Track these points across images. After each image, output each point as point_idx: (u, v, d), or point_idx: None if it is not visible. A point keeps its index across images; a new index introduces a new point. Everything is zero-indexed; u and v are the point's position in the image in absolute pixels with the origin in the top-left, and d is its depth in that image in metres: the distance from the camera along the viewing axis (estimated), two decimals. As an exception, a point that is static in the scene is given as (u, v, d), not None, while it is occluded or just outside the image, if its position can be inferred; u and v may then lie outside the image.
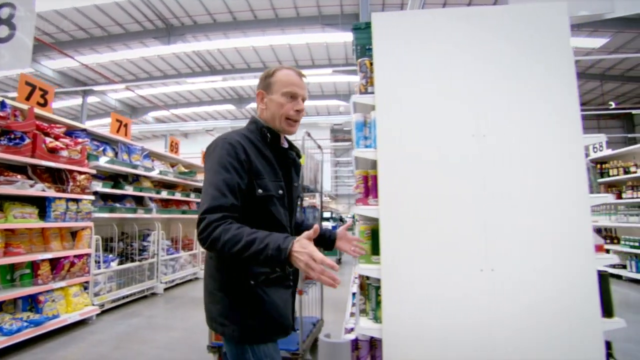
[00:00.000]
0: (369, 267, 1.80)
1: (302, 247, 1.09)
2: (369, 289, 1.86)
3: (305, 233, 1.13)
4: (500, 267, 1.78)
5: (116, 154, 5.15)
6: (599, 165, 6.34)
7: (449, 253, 1.80)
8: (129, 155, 5.27)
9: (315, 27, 14.74)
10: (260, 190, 1.26)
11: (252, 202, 1.25)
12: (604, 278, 1.84)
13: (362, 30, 2.07)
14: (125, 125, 4.96)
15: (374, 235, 1.85)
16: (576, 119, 1.88)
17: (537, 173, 1.84)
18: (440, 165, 1.87)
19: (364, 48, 2.09)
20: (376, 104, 1.90)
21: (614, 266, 6.31)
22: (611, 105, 17.30)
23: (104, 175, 5.24)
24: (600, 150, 6.56)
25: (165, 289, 6.56)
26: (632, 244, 6.12)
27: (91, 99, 18.35)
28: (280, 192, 1.32)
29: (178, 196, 7.36)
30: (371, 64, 1.97)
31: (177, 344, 3.86)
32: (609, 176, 6.20)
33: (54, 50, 11.80)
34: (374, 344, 1.80)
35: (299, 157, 1.54)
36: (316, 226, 1.14)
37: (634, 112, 15.22)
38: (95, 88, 16.49)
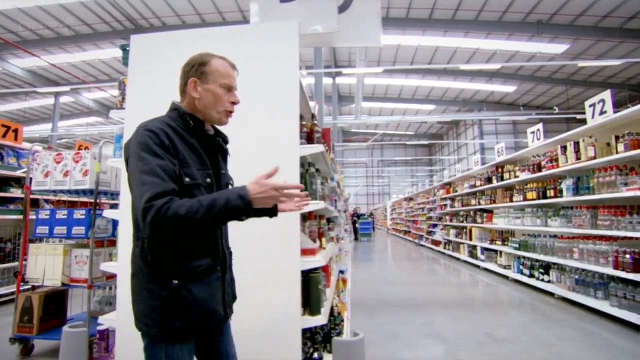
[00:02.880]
0: (110, 265, 2.05)
1: (261, 186, 1.11)
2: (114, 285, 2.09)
3: (263, 173, 1.15)
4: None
5: (2, 158, 5.32)
6: (499, 169, 6.60)
7: None
8: (17, 159, 5.47)
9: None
10: (187, 179, 1.19)
11: (180, 191, 1.15)
12: (311, 279, 2.13)
13: (127, 51, 2.29)
14: (15, 131, 5.19)
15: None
16: (295, 131, 2.10)
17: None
18: None
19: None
20: (125, 118, 2.13)
21: (504, 267, 6.45)
22: (555, 110, 17.98)
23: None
24: (501, 155, 6.83)
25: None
26: (515, 245, 6.02)
27: (65, 99, 18.39)
28: (208, 180, 1.26)
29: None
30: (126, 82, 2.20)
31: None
32: (502, 180, 6.44)
33: (19, 49, 11.87)
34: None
35: (226, 143, 1.49)
36: (275, 166, 1.19)
37: (578, 116, 15.66)
38: (60, 89, 16.46)
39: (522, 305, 4.73)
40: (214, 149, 1.40)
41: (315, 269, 2.30)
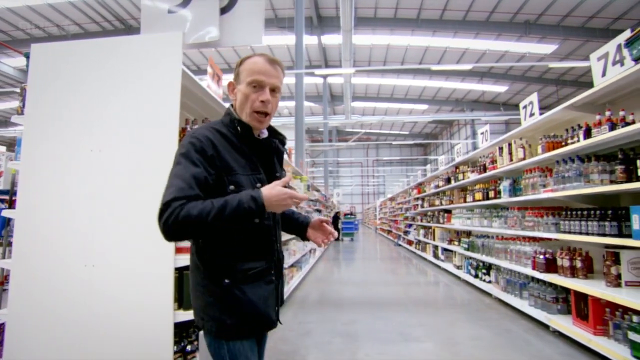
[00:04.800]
0: (6, 261, 2.17)
1: (279, 192, 1.13)
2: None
3: (279, 181, 1.17)
4: (101, 264, 2.19)
5: None
6: (457, 170, 6.61)
7: (63, 250, 2.20)
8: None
9: (272, 29, 15.12)
10: (231, 187, 1.19)
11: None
12: (184, 275, 2.26)
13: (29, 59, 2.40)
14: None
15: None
16: (174, 136, 2.22)
17: (136, 184, 2.21)
18: (64, 175, 2.23)
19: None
20: (24, 123, 2.28)
21: (458, 267, 6.50)
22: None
23: None
24: (459, 155, 6.85)
25: None
26: (465, 246, 5.95)
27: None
28: (259, 185, 1.23)
29: None
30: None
31: None
32: (457, 181, 6.46)
33: (9, 49, 12.14)
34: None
35: (283, 144, 1.44)
36: (289, 175, 1.22)
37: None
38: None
39: (457, 305, 4.78)
40: (269, 152, 1.36)
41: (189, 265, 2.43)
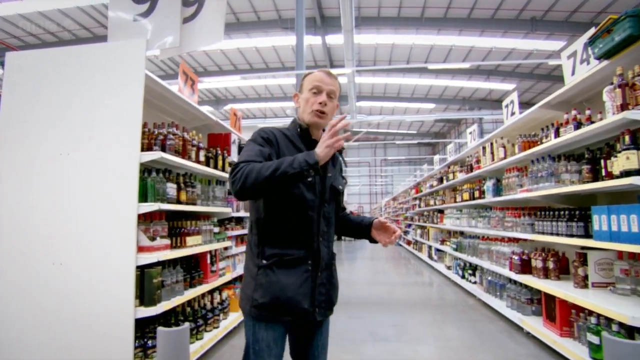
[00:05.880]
0: None
1: (323, 141, 1.24)
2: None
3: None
4: (68, 262, 2.31)
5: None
6: (449, 169, 6.54)
7: (32, 249, 2.32)
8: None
9: (276, 30, 15.23)
10: None
11: None
12: (145, 273, 2.37)
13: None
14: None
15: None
16: (137, 139, 2.32)
17: (103, 185, 2.32)
18: (34, 177, 2.35)
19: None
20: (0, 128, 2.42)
21: (448, 267, 6.42)
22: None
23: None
24: (451, 155, 6.78)
25: None
26: (453, 246, 5.89)
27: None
28: (310, 179, 1.29)
29: None
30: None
31: None
32: (447, 180, 6.39)
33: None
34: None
35: (339, 153, 1.57)
36: (335, 121, 1.26)
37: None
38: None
39: (440, 306, 4.76)
40: None
41: (152, 264, 2.52)
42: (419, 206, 9.41)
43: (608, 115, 2.49)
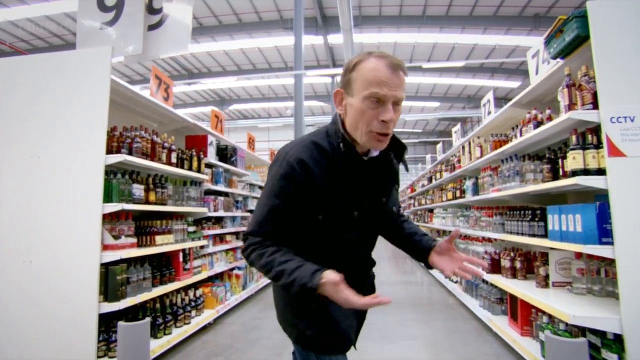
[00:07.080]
0: None
1: (336, 292, 0.96)
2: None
3: (345, 288, 0.97)
4: (37, 260, 2.46)
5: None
6: (437, 168, 6.53)
7: (4, 248, 2.47)
8: None
9: (277, 30, 15.35)
10: (321, 217, 1.08)
11: (313, 226, 1.09)
12: (109, 270, 2.51)
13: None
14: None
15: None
16: (102, 142, 2.45)
17: (70, 186, 2.45)
18: (7, 179, 2.50)
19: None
20: None
21: None
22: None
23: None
24: (440, 154, 6.76)
25: None
26: None
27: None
28: (356, 213, 1.11)
29: None
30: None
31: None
32: (435, 180, 6.37)
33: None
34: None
35: (399, 160, 1.22)
36: (387, 299, 0.94)
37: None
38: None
39: (419, 306, 4.78)
40: (376, 172, 1.16)
41: (117, 261, 2.63)
42: (414, 205, 9.41)
43: (561, 114, 2.50)
